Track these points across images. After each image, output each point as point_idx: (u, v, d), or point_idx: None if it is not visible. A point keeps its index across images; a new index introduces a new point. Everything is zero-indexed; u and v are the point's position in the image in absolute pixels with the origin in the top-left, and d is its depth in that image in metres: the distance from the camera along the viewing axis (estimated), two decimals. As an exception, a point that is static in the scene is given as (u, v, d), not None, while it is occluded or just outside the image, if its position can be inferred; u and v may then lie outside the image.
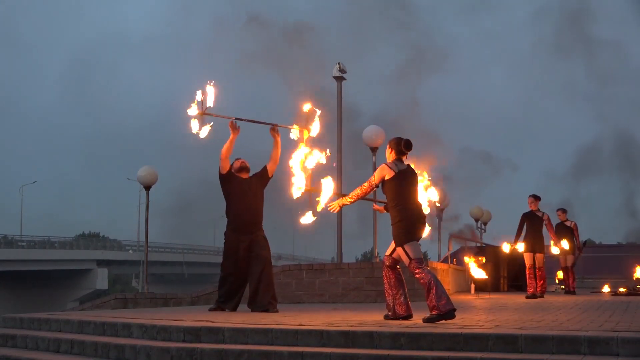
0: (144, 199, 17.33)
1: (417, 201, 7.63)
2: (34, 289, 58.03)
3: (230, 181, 9.72)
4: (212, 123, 9.25)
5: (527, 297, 13.24)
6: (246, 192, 9.67)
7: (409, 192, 7.55)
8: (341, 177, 15.49)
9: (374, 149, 14.84)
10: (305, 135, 9.15)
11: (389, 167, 7.54)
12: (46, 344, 7.91)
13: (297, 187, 8.05)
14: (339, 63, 15.65)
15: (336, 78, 15.84)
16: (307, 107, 9.30)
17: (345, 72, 15.73)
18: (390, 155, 7.66)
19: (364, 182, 7.69)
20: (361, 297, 12.92)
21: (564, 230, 15.91)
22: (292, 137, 9.33)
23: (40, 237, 67.38)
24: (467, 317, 7.74)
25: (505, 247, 15.07)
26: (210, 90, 9.14)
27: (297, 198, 8.06)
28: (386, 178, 7.53)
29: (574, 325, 6.62)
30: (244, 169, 9.84)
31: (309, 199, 8.05)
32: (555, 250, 15.15)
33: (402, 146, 7.59)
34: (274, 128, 9.70)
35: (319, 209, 7.99)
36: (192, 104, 9.14)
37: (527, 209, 14.23)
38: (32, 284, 58.14)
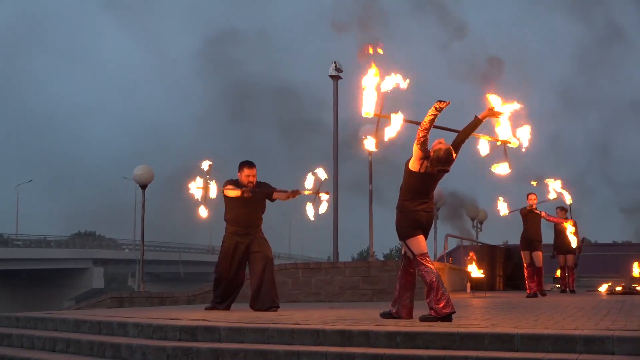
0: (140, 198, 17.33)
1: (431, 197, 7.37)
2: (30, 288, 57.94)
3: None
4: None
5: (528, 297, 13.18)
6: (247, 200, 9.55)
7: (427, 191, 7.31)
8: (337, 177, 15.52)
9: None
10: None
11: (420, 163, 7.11)
12: (42, 343, 7.90)
13: (366, 112, 7.24)
14: (335, 62, 15.67)
15: (332, 77, 15.86)
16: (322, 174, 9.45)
17: (341, 71, 15.75)
18: (432, 153, 7.12)
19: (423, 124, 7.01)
20: (357, 296, 12.92)
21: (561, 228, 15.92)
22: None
23: (36, 236, 67.30)
24: (463, 316, 7.74)
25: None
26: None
27: (364, 118, 7.34)
28: (410, 165, 7.17)
29: (570, 324, 6.63)
30: (250, 184, 9.58)
31: (377, 124, 7.30)
32: (572, 239, 14.85)
33: (441, 161, 7.07)
34: (295, 192, 9.63)
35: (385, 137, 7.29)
36: (198, 178, 9.47)
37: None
38: (28, 283, 58.04)
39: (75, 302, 35.63)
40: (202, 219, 9.71)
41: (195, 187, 9.51)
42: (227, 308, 9.72)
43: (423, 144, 7.08)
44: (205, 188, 9.49)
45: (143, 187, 16.40)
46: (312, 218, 9.63)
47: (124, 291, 20.43)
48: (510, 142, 7.58)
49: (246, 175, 9.58)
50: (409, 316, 7.38)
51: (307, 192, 9.52)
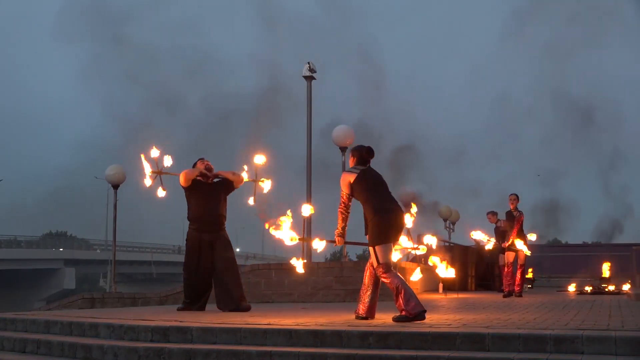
0: (112, 198, 17.22)
1: (392, 197, 7.51)
2: (0, 288, 57.32)
3: (192, 187, 9.71)
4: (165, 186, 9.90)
5: (505, 296, 13.25)
6: (208, 195, 9.66)
7: (381, 188, 7.46)
8: (310, 177, 15.52)
9: (343, 149, 14.89)
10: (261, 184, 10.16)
11: (349, 172, 7.51)
12: (12, 344, 7.81)
13: (290, 238, 7.93)
14: (308, 62, 15.68)
15: (306, 77, 15.87)
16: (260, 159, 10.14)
17: (315, 71, 15.77)
18: (352, 161, 7.64)
19: (339, 206, 7.60)
20: (330, 297, 12.94)
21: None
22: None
23: (7, 236, 66.62)
24: (435, 316, 7.79)
25: (489, 245, 15.01)
26: (164, 156, 9.87)
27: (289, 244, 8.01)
28: (351, 182, 7.41)
29: (540, 324, 6.70)
30: (209, 168, 9.81)
31: (302, 246, 8.26)
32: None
33: (365, 153, 7.54)
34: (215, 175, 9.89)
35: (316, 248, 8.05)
36: (145, 162, 9.78)
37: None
38: (-2, 283, 57.47)
39: (46, 303, 35.25)
40: (160, 198, 9.94)
41: (150, 174, 9.79)
42: (202, 308, 9.68)
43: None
44: (159, 173, 9.82)
45: (115, 187, 16.29)
46: (251, 202, 10.17)
47: (96, 292, 20.26)
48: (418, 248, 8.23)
49: (201, 162, 9.84)
50: (367, 314, 7.46)
51: (245, 179, 10.02)
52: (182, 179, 9.66)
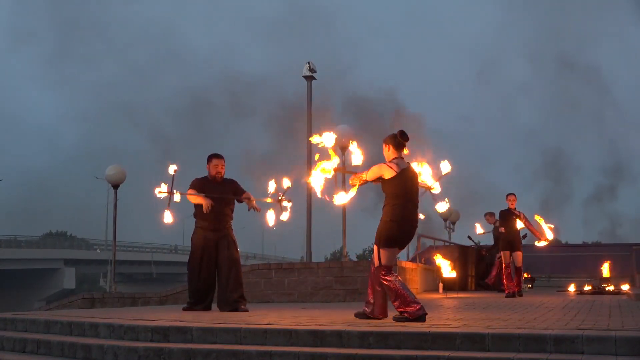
0: (112, 198, 17.23)
1: (415, 205, 7.36)
2: (0, 288, 57.34)
3: (200, 188, 9.61)
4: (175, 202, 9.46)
5: (507, 297, 13.23)
6: (216, 194, 9.56)
7: (410, 194, 7.30)
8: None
9: (343, 149, 14.87)
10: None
11: (389, 167, 7.24)
12: (12, 344, 7.82)
13: (322, 169, 7.62)
14: (308, 62, 15.69)
15: (306, 77, 15.88)
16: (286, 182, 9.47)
17: (315, 71, 15.77)
18: (389, 153, 7.37)
19: (360, 174, 7.40)
20: (330, 297, 12.95)
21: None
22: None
23: (7, 236, 66.63)
24: (435, 316, 7.79)
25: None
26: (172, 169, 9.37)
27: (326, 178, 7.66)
28: (385, 177, 7.21)
29: (540, 324, 6.70)
30: (218, 175, 9.64)
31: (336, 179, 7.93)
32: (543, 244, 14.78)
33: (399, 137, 7.31)
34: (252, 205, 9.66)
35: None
36: (162, 184, 9.38)
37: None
38: (-2, 283, 57.48)
39: (46, 303, 35.31)
40: (168, 224, 9.64)
41: (158, 192, 9.38)
42: (207, 309, 9.64)
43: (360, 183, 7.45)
44: (170, 193, 9.37)
45: (115, 186, 16.31)
46: (271, 224, 9.62)
47: (96, 292, 20.28)
48: (433, 188, 7.97)
49: (214, 165, 9.66)
50: (384, 315, 7.38)
51: (268, 200, 9.53)
52: (188, 198, 9.56)
